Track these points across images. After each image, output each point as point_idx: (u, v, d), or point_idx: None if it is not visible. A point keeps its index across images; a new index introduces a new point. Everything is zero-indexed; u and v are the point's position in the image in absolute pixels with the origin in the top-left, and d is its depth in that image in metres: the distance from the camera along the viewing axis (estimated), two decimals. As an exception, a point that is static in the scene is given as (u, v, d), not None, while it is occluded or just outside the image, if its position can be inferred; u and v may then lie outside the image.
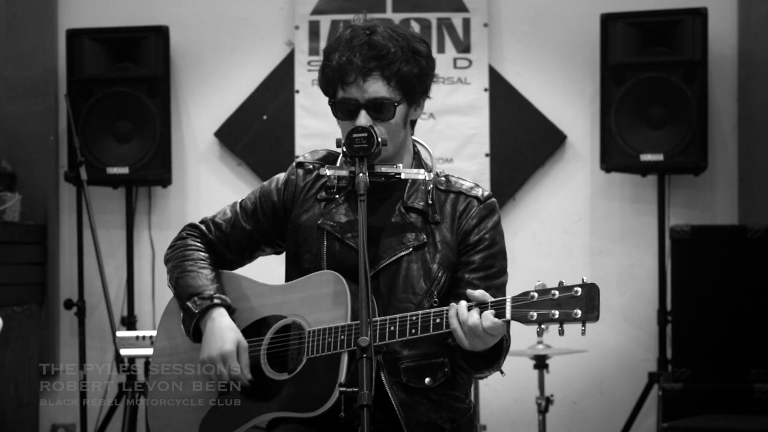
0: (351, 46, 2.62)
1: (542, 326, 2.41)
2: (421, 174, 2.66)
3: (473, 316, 2.44)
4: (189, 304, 2.72)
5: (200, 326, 2.71)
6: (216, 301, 2.71)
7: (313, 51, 5.45)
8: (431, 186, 2.70)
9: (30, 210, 5.49)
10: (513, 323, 2.46)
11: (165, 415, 2.80)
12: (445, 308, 2.50)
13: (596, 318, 2.34)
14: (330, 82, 2.67)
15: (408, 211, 2.69)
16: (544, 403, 4.79)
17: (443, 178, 2.74)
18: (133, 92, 5.34)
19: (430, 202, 2.70)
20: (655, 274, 5.29)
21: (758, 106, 5.32)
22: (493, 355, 2.55)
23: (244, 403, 2.68)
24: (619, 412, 5.31)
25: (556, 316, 2.38)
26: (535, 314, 2.40)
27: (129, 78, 5.36)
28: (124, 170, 5.32)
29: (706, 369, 4.90)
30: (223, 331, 2.68)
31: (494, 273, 2.69)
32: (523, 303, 2.41)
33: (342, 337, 2.56)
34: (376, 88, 2.62)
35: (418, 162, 2.76)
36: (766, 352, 4.86)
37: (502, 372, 2.66)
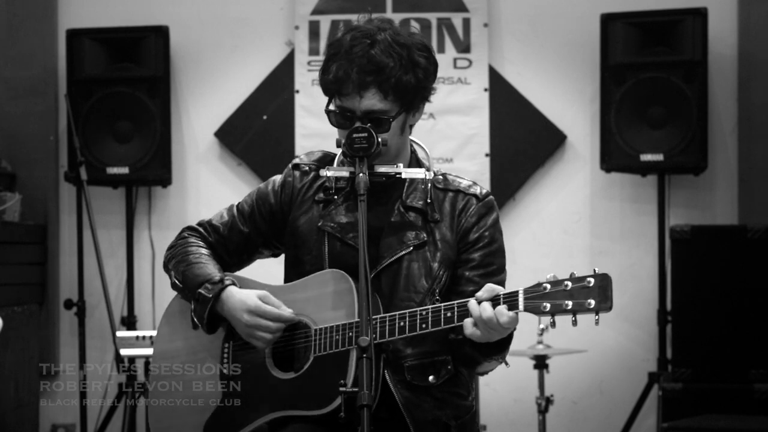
0: (350, 58, 2.61)
1: (554, 318, 2.40)
2: (421, 173, 2.66)
3: (487, 310, 2.44)
4: (201, 291, 2.68)
5: (217, 309, 2.68)
6: (227, 282, 2.70)
7: (313, 51, 5.44)
8: (430, 185, 2.71)
9: (30, 210, 5.49)
10: (524, 316, 2.46)
11: (167, 417, 2.79)
12: (456, 302, 2.50)
13: (609, 308, 2.35)
14: (328, 89, 2.67)
15: (407, 210, 2.70)
16: (544, 403, 4.78)
17: (441, 177, 2.75)
18: (133, 92, 5.34)
19: (429, 200, 2.70)
20: (655, 274, 5.28)
21: (758, 106, 5.32)
22: (504, 340, 2.54)
23: (248, 403, 2.67)
24: (619, 412, 5.31)
25: (570, 307, 2.37)
26: (548, 305, 2.39)
27: (129, 78, 5.36)
28: (124, 170, 5.32)
29: (706, 369, 4.89)
30: (242, 298, 2.65)
31: (493, 270, 2.70)
32: (536, 294, 2.41)
33: (350, 334, 2.55)
34: (374, 101, 2.61)
35: (415, 162, 2.77)
36: (766, 352, 4.86)
37: (506, 363, 2.65)
